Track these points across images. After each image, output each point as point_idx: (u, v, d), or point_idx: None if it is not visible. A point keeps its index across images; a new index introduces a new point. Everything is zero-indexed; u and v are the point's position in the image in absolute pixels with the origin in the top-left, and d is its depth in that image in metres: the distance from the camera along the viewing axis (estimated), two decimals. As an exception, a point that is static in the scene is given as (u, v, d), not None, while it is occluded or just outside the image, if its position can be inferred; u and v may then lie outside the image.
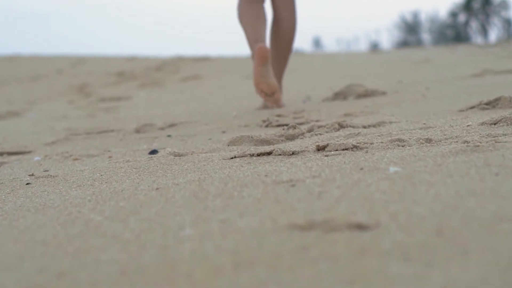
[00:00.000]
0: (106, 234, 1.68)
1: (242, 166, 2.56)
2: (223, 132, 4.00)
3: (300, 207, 1.72)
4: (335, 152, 2.64)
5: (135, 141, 3.97)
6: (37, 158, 3.53)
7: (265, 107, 5.23)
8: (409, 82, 6.13)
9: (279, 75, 5.34)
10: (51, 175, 2.87)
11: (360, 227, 1.46)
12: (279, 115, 4.48)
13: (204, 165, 2.72)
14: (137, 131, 4.47)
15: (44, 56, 21.21)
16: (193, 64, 15.26)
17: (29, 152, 3.92)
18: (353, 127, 3.42)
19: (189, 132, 4.15)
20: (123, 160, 3.08)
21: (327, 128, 3.38)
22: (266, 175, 2.24)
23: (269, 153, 2.74)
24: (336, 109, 4.53)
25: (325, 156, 2.58)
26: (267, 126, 4.03)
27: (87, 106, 8.12)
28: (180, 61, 16.48)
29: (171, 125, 4.60)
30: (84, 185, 2.56)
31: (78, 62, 18.34)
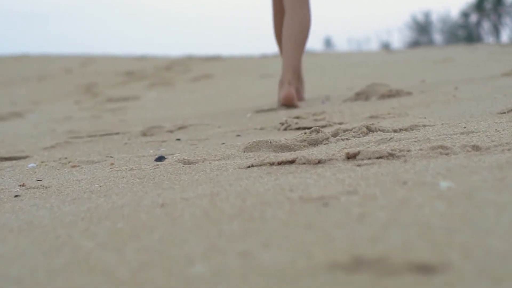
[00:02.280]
0: (96, 268, 1.34)
1: (261, 177, 2.21)
2: (238, 135, 3.65)
3: (339, 235, 1.37)
4: (368, 160, 2.29)
5: (140, 145, 3.63)
6: (31, 165, 3.19)
7: (282, 104, 5.19)
8: (434, 82, 5.77)
9: (297, 65, 5.24)
10: (44, 186, 2.53)
11: (425, 268, 1.11)
12: (297, 117, 4.13)
13: (217, 175, 2.37)
14: (144, 134, 4.13)
15: (52, 56, 20.93)
16: (204, 64, 14.92)
17: (24, 157, 3.58)
18: (383, 131, 3.07)
19: (200, 136, 3.81)
20: (126, 168, 2.74)
21: (354, 132, 3.03)
22: (291, 190, 1.89)
23: (291, 162, 2.39)
24: (360, 110, 4.17)
25: (357, 165, 2.23)
26: (285, 129, 3.69)
27: (93, 107, 7.79)
28: (190, 60, 16.14)
29: (181, 128, 4.26)
30: (79, 199, 2.22)
31: (87, 61, 18.03)
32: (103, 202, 2.09)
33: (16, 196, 2.39)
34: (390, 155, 2.33)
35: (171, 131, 4.15)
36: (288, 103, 4.95)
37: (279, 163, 2.40)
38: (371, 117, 3.76)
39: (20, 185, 2.58)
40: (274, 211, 1.64)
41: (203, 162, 2.73)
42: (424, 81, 6.00)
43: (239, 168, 2.46)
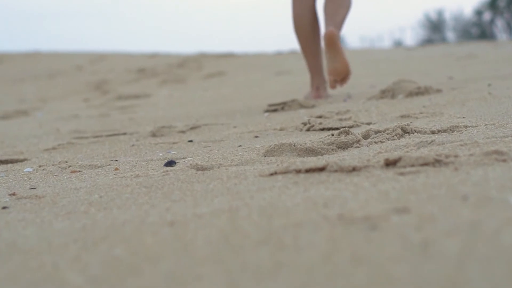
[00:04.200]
0: (83, 318, 1.02)
1: (287, 188, 1.88)
2: (256, 137, 3.32)
3: (400, 275, 1.05)
4: (411, 168, 1.96)
5: (149, 147, 3.31)
6: (27, 169, 2.87)
7: (306, 98, 5.18)
8: (462, 79, 5.43)
9: (340, 22, 5.02)
10: (37, 195, 2.21)
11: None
12: (320, 116, 3.80)
13: (236, 184, 2.05)
14: (153, 134, 3.80)
15: (63, 53, 20.67)
16: (217, 61, 14.59)
17: (22, 160, 3.26)
18: (420, 132, 2.74)
19: (215, 137, 3.48)
20: (132, 175, 2.42)
21: (387, 133, 2.70)
22: (325, 205, 1.57)
23: (321, 169, 2.06)
24: (388, 109, 3.84)
25: (400, 174, 1.90)
26: (308, 130, 3.35)
27: (102, 105, 7.47)
28: (203, 57, 15.82)
29: (193, 128, 3.93)
30: (75, 212, 1.90)
31: (97, 58, 17.74)
32: (102, 217, 1.77)
33: (3, 207, 2.07)
34: (437, 162, 1.99)
35: (183, 132, 3.82)
36: (331, 41, 4.74)
37: (307, 171, 2.07)
38: (402, 116, 3.43)
39: (10, 194, 2.26)
40: (310, 236, 1.32)
41: (218, 168, 2.40)
42: (452, 78, 5.65)
43: (260, 175, 2.14)
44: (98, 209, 1.91)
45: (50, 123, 5.56)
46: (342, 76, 4.87)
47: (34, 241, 1.57)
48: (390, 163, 2.03)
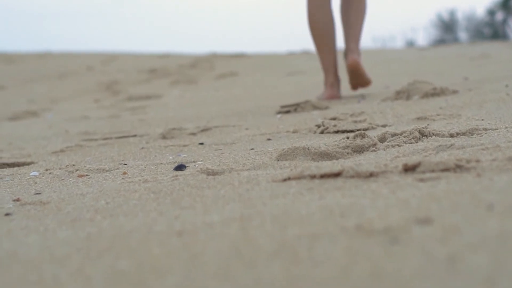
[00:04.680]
0: None
1: (301, 195, 1.80)
2: (268, 139, 3.24)
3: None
4: (431, 174, 1.87)
5: (159, 150, 3.23)
6: (34, 173, 2.80)
7: (320, 97, 5.20)
8: (478, 79, 5.33)
9: (359, 35, 5.33)
10: (42, 201, 2.13)
11: None
12: (334, 118, 3.71)
13: (248, 190, 1.97)
14: (163, 136, 3.72)
15: (74, 53, 20.62)
16: (229, 61, 14.51)
17: (29, 163, 3.19)
18: (438, 135, 2.65)
19: (226, 139, 3.40)
20: (140, 180, 2.34)
21: (404, 136, 2.61)
22: (342, 215, 1.48)
23: (337, 175, 1.98)
24: (403, 110, 3.75)
25: (419, 180, 1.81)
26: (322, 132, 3.27)
27: (112, 106, 7.40)
28: (214, 57, 15.73)
29: (204, 130, 3.85)
30: (80, 220, 1.82)
31: (109, 59, 17.68)
32: (107, 225, 1.69)
33: (6, 214, 2.00)
34: (458, 167, 1.91)
35: (193, 134, 3.74)
36: (355, 70, 5.11)
37: (322, 176, 1.99)
38: (419, 118, 3.34)
39: (14, 200, 2.19)
40: (326, 249, 1.24)
41: (229, 172, 2.32)
42: (468, 78, 5.55)
43: (273, 181, 2.05)
44: (104, 216, 1.83)
45: (59, 124, 5.49)
46: (364, 87, 5.32)
47: (36, 251, 1.50)
48: (409, 169, 1.95)
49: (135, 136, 4.02)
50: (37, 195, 2.29)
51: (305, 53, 15.52)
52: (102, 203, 2.00)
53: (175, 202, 1.90)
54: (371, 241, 1.25)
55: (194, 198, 1.93)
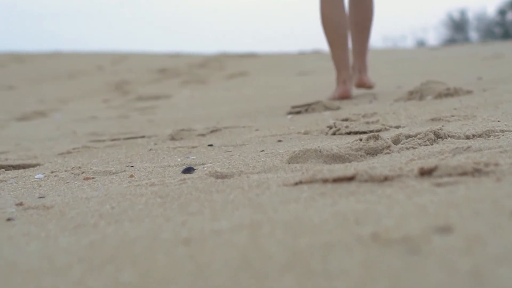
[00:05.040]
0: None
1: (314, 200, 1.73)
2: (279, 141, 3.17)
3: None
4: (448, 178, 1.80)
5: (167, 152, 3.16)
6: (39, 175, 2.73)
7: (333, 98, 5.13)
8: (491, 79, 5.24)
9: (363, 51, 5.42)
10: (45, 206, 2.06)
11: None
12: (346, 119, 3.64)
13: (258, 194, 1.89)
14: (172, 138, 3.65)
15: (85, 53, 20.59)
16: (239, 61, 14.44)
17: (35, 165, 3.12)
18: (453, 137, 2.57)
19: (236, 141, 3.33)
20: (147, 183, 2.27)
21: (419, 138, 2.53)
22: (357, 222, 1.41)
23: (350, 178, 1.91)
24: (416, 111, 3.67)
25: (437, 185, 1.74)
26: (334, 134, 3.19)
27: (121, 106, 7.34)
28: (225, 57, 15.67)
29: (214, 131, 3.78)
30: (83, 226, 1.75)
31: (119, 59, 17.63)
32: (112, 232, 1.63)
33: (8, 219, 1.93)
34: (476, 171, 1.83)
35: (202, 135, 3.67)
36: (361, 86, 5.32)
37: (335, 180, 1.92)
38: (433, 119, 3.26)
39: (17, 204, 2.12)
40: (341, 260, 1.16)
41: (239, 175, 2.25)
42: (481, 78, 5.46)
43: (284, 185, 1.98)
44: (109, 222, 1.76)
45: (67, 125, 5.43)
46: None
47: (36, 260, 1.43)
48: (425, 172, 1.87)
49: (143, 137, 3.95)
50: (40, 198, 2.22)
51: (316, 53, 15.45)
52: (107, 208, 1.93)
53: (182, 207, 1.84)
54: (388, 252, 1.17)
55: (202, 203, 1.86)
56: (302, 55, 15.74)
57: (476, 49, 11.72)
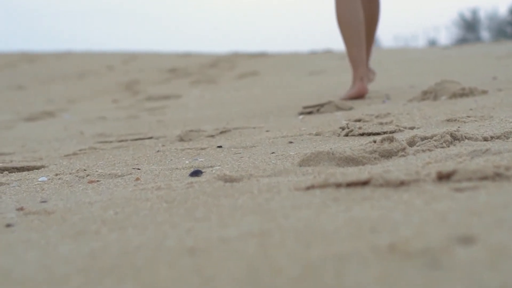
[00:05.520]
0: None
1: (326, 206, 1.65)
2: (290, 142, 3.08)
3: None
4: (468, 183, 1.71)
5: (175, 153, 3.08)
6: (42, 178, 2.66)
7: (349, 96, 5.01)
8: (507, 79, 5.14)
9: (368, 54, 5.40)
10: (46, 211, 1.99)
11: None
12: (359, 120, 3.55)
13: (267, 199, 1.81)
14: (181, 139, 3.57)
15: (95, 53, 20.56)
16: (250, 60, 14.36)
17: (40, 167, 3.05)
18: (471, 138, 2.48)
19: (246, 142, 3.24)
20: (153, 187, 2.19)
21: (435, 140, 2.44)
22: (373, 230, 1.33)
23: (364, 183, 1.82)
24: (431, 111, 3.58)
25: (456, 190, 1.65)
26: (346, 135, 3.10)
27: (130, 106, 7.27)
28: (236, 57, 15.59)
29: (223, 132, 3.69)
30: (85, 233, 1.67)
31: (129, 58, 17.58)
32: (114, 240, 1.54)
33: (7, 225, 1.85)
34: (497, 175, 1.75)
35: (212, 136, 3.58)
36: (360, 96, 4.98)
37: (348, 185, 1.83)
38: (448, 120, 3.17)
39: (18, 209, 2.04)
40: (356, 274, 1.08)
41: (248, 179, 2.16)
42: (496, 78, 5.36)
43: (295, 189, 1.90)
44: (112, 228, 1.68)
45: (75, 126, 5.36)
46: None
47: (33, 270, 1.35)
48: (443, 177, 1.78)
49: (151, 138, 3.88)
50: (42, 203, 2.14)
51: (328, 52, 15.36)
52: (111, 213, 1.85)
53: (189, 213, 1.75)
54: (407, 265, 1.09)
55: (210, 208, 1.78)
56: (313, 54, 15.65)
57: (489, 49, 11.60)
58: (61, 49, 22.76)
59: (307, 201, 1.72)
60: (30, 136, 4.81)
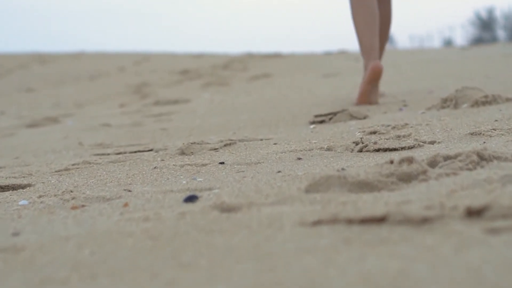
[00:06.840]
0: None
1: (336, 251, 1.38)
2: (298, 158, 2.82)
3: None
4: (504, 222, 1.45)
5: (173, 171, 2.82)
6: (23, 202, 2.40)
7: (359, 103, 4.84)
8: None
9: (380, 50, 5.18)
10: (16, 247, 1.73)
11: None
12: (374, 132, 3.28)
13: (268, 238, 1.55)
14: (182, 152, 3.31)
15: (108, 53, 20.39)
16: (263, 61, 14.10)
17: (25, 186, 2.80)
18: (500, 159, 2.21)
19: (251, 157, 2.98)
20: (140, 217, 1.93)
21: (459, 161, 2.17)
22: (392, 293, 1.07)
23: (380, 220, 1.56)
24: (453, 122, 3.31)
25: (490, 232, 1.39)
26: (360, 150, 2.84)
27: (137, 111, 7.03)
28: (249, 58, 15.35)
29: (228, 144, 3.43)
30: (51, 282, 1.41)
31: (141, 59, 17.39)
32: (81, 294, 1.29)
33: (-35, 268, 1.59)
34: (537, 212, 1.48)
35: (215, 149, 3.32)
36: (376, 76, 4.68)
37: (362, 222, 1.57)
38: (472, 134, 2.90)
39: (-16, 245, 1.79)
40: None
41: (248, 208, 1.90)
42: (522, 83, 5.08)
43: (300, 224, 1.64)
44: (82, 276, 1.42)
45: (76, 133, 5.13)
46: (370, 104, 4.87)
47: None
48: (473, 213, 1.52)
49: (151, 150, 3.62)
50: (14, 236, 1.88)
51: (342, 53, 15.10)
52: (86, 254, 1.59)
53: (174, 256, 1.49)
54: None
55: (199, 250, 1.52)
56: (328, 55, 15.38)
57: (508, 49, 11.30)
58: (74, 50, 22.61)
59: (313, 244, 1.46)
60: (28, 145, 4.57)
